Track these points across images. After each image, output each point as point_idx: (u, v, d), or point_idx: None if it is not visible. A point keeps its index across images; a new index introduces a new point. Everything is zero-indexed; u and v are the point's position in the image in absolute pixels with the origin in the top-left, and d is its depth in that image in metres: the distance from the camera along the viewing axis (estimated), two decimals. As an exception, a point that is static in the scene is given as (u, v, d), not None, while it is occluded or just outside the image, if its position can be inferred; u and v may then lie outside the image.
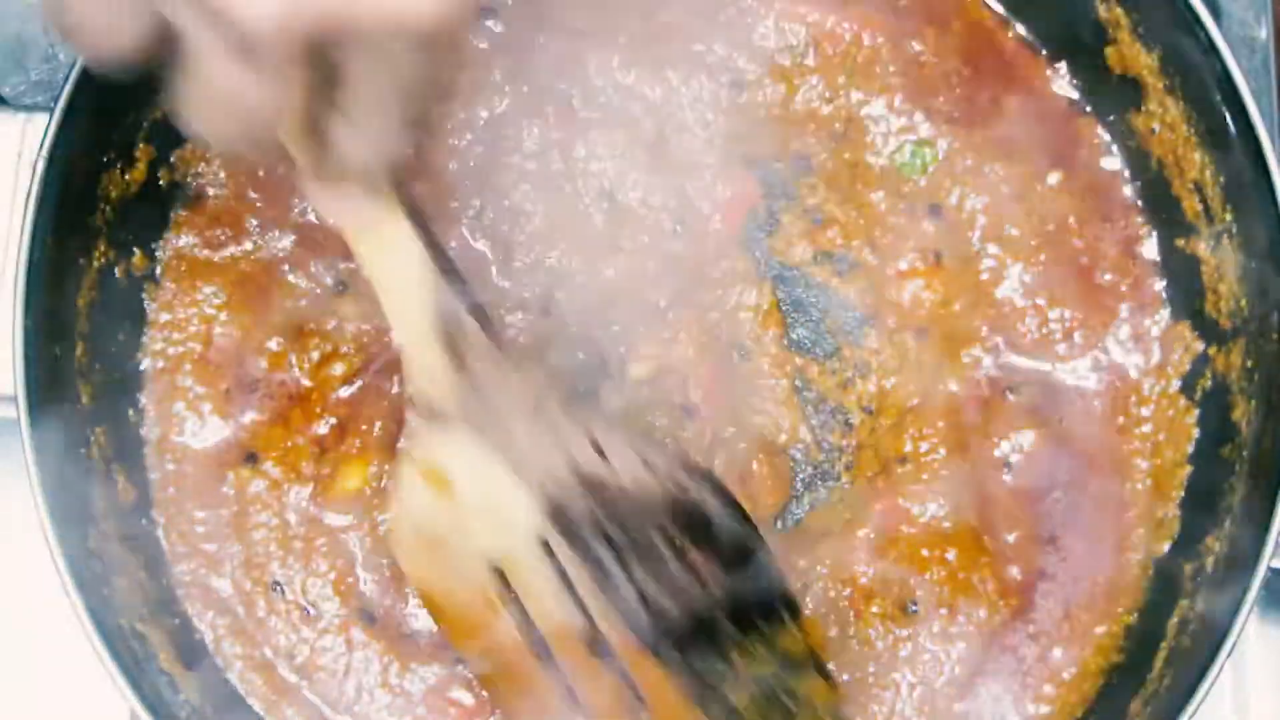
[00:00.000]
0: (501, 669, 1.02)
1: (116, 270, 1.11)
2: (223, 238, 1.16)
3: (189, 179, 1.16)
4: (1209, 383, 1.12)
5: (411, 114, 0.75)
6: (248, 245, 1.16)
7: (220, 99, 0.70)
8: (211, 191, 1.16)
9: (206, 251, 1.16)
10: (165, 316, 1.15)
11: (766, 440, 1.14)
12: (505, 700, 1.05)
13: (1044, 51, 1.18)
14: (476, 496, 0.96)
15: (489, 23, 1.18)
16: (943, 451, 1.13)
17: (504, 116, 1.17)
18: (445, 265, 0.90)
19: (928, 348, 1.15)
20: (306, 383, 1.14)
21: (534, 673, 1.01)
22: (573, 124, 1.17)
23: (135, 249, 1.13)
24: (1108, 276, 1.17)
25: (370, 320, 1.15)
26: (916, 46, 1.19)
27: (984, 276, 1.17)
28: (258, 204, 1.17)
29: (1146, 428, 1.14)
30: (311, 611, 1.11)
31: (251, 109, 0.70)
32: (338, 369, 1.14)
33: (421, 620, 1.11)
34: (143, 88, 1.08)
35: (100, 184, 1.08)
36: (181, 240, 1.16)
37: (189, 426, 1.14)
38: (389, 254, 0.86)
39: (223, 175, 1.16)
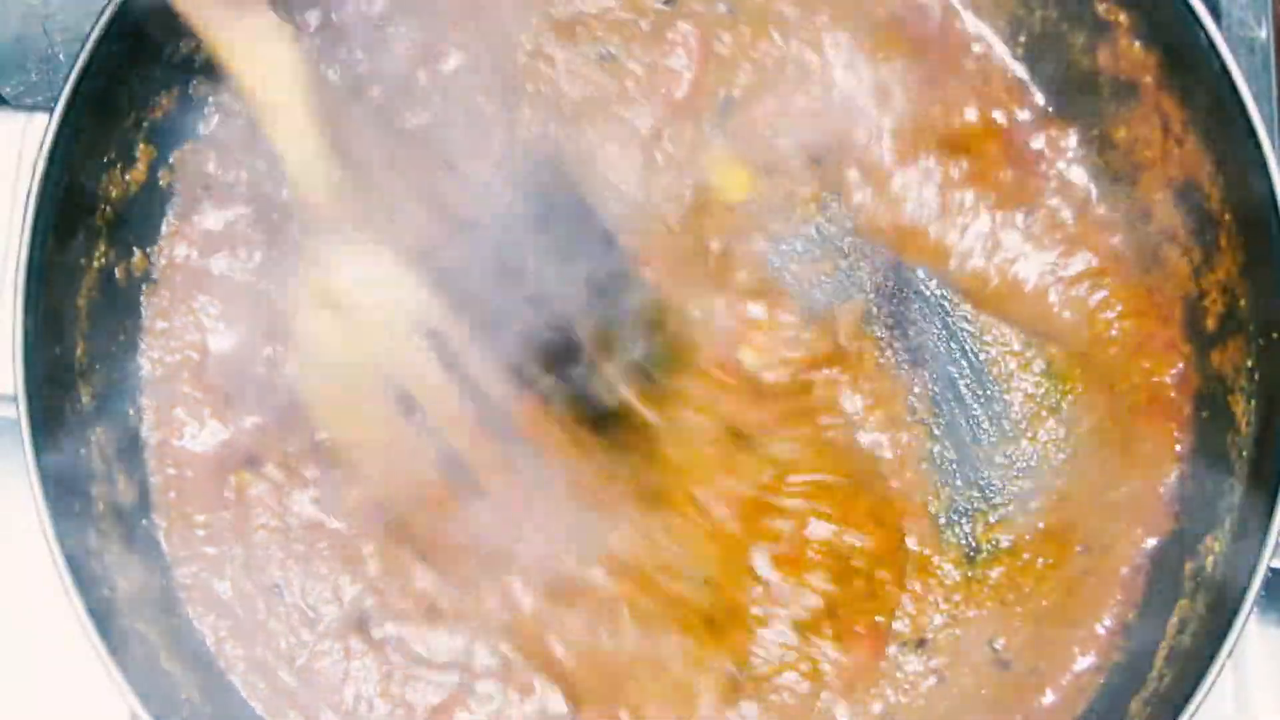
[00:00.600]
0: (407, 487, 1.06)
1: (117, 271, 1.11)
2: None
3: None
4: (1209, 382, 1.12)
5: None
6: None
7: None
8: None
9: (208, 255, 1.16)
10: (161, 325, 1.14)
11: None
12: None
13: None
14: (368, 296, 0.97)
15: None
16: None
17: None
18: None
19: None
20: None
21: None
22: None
23: (135, 250, 1.13)
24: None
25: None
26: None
27: None
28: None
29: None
30: (311, 615, 1.11)
31: None
32: None
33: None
34: (143, 89, 1.09)
35: (100, 184, 1.08)
36: (182, 243, 1.16)
37: (189, 430, 1.13)
38: (263, 56, 0.86)
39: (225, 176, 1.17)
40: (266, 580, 1.11)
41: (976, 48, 1.18)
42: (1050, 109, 1.17)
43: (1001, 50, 1.18)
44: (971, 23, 1.18)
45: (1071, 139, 1.17)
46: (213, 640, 1.11)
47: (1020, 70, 1.18)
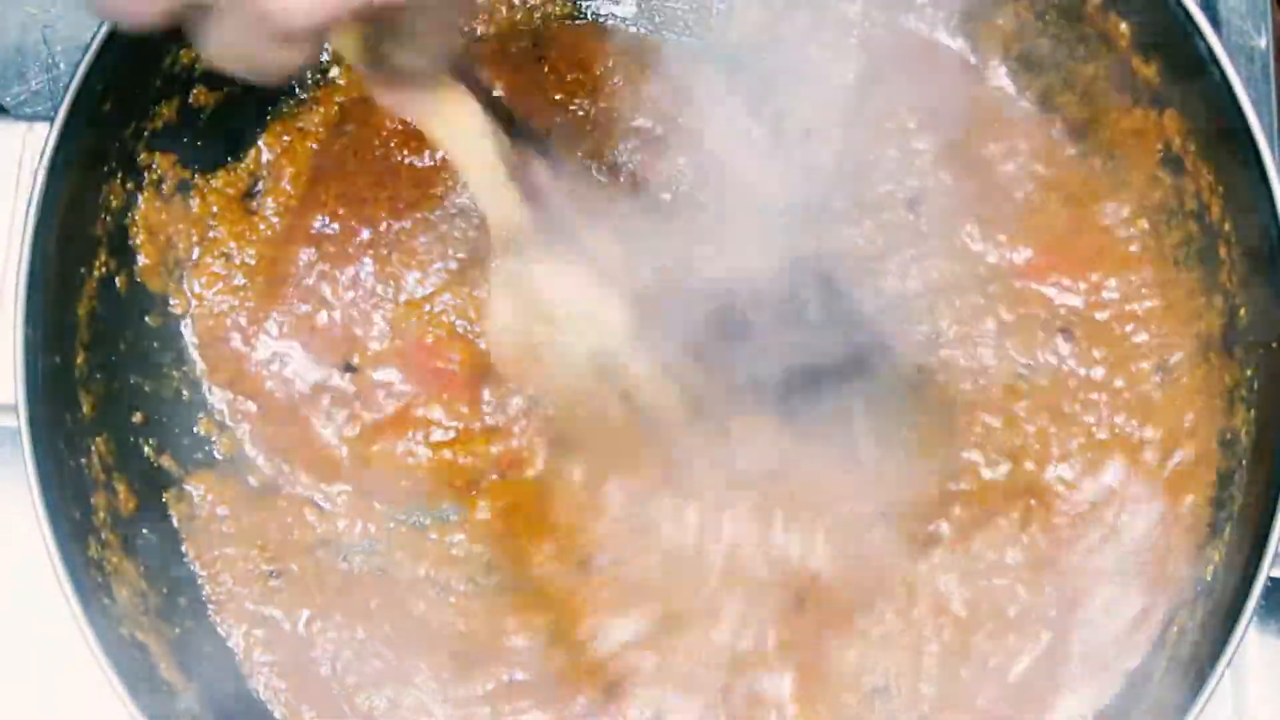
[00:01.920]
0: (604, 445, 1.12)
1: (117, 280, 1.11)
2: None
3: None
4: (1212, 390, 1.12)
5: (452, 19, 0.89)
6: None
7: (251, 54, 0.76)
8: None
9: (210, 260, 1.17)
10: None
11: None
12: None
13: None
14: (566, 304, 1.03)
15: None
16: None
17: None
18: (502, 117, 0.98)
19: None
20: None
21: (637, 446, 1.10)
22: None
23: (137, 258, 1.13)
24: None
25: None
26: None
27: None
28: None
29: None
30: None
31: (282, 62, 0.76)
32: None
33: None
34: (144, 98, 1.09)
35: (101, 193, 1.08)
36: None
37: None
38: (455, 124, 0.94)
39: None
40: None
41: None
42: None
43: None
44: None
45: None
46: (243, 648, 1.11)
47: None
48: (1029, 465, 1.13)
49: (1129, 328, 1.15)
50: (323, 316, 1.15)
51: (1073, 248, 1.16)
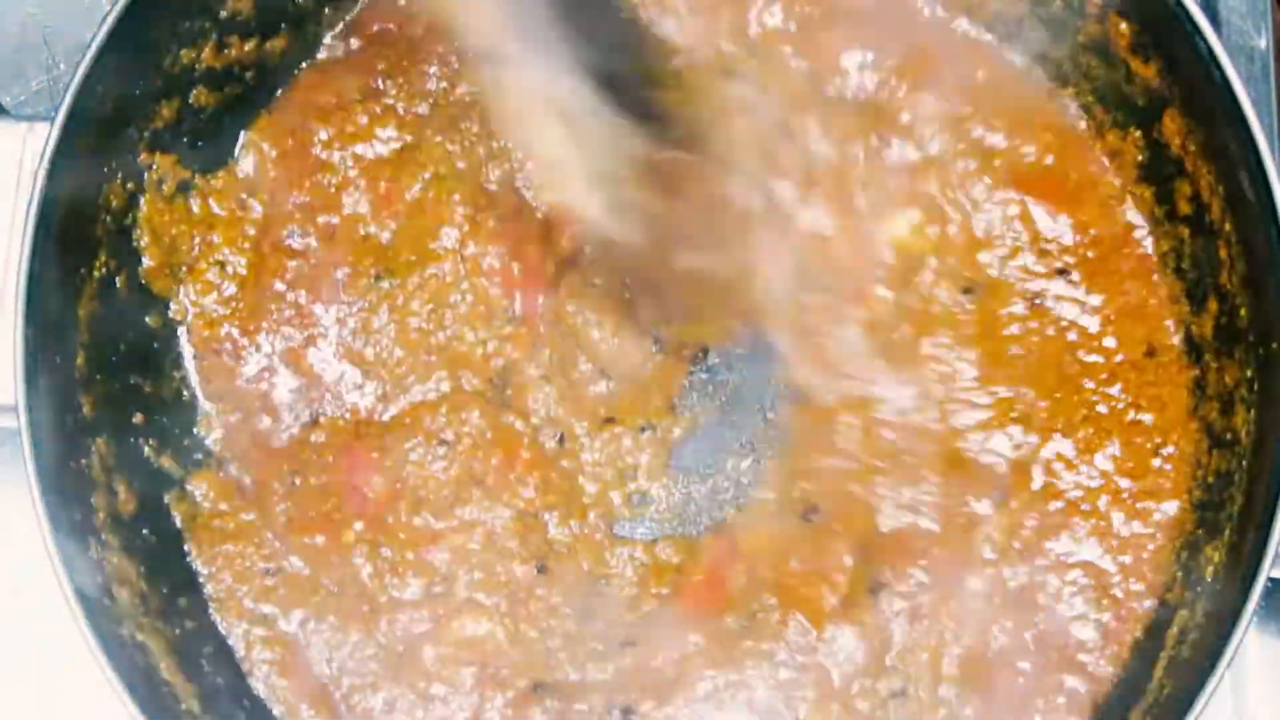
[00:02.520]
0: None
1: (117, 280, 1.11)
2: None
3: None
4: (1210, 391, 1.12)
5: None
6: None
7: None
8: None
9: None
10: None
11: None
12: None
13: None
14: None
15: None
16: None
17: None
18: None
19: None
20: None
21: None
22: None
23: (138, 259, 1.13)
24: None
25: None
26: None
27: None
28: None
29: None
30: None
31: None
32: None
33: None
34: (143, 98, 1.09)
35: (101, 194, 1.08)
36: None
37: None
38: None
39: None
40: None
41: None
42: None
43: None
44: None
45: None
46: (243, 646, 1.12)
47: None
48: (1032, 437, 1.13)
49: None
50: (298, 335, 1.16)
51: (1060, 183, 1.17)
